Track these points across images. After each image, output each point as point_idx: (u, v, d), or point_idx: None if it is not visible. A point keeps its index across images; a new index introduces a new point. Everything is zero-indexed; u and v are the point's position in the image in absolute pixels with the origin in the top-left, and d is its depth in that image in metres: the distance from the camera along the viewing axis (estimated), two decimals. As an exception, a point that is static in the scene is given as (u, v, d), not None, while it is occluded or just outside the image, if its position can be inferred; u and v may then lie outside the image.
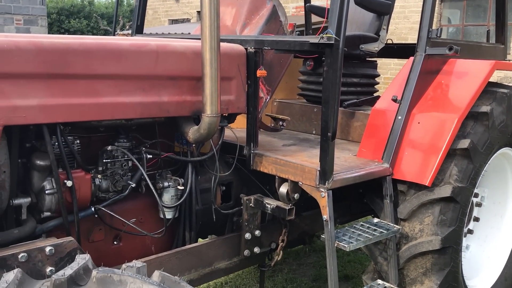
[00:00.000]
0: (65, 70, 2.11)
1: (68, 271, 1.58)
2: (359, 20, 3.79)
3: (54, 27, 27.79)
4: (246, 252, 2.92)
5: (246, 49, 2.76)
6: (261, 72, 2.75)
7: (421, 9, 3.04)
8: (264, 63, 2.81)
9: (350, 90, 3.70)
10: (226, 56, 2.62)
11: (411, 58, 3.03)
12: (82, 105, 2.17)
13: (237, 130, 2.98)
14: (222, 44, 2.61)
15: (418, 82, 2.95)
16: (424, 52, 2.96)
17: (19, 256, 1.96)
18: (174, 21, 18.99)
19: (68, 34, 27.78)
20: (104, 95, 2.24)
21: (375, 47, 3.58)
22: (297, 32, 4.11)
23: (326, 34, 2.38)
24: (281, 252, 3.12)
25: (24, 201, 2.18)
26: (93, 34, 28.34)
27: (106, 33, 25.45)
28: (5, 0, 11.64)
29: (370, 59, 3.83)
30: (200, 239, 3.02)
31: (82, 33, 28.62)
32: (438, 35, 2.96)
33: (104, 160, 2.41)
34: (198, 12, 18.27)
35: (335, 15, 2.37)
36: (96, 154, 2.46)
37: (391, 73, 11.15)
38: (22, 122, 2.00)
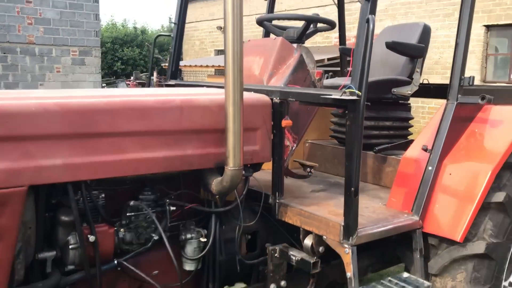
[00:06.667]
0: (90, 129, 2.16)
1: None
2: (391, 63, 3.73)
3: (109, 55, 29.15)
4: (271, 303, 2.87)
5: (271, 99, 2.77)
6: (286, 122, 2.74)
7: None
8: (290, 112, 2.80)
9: (382, 133, 3.63)
10: (251, 107, 2.64)
11: (443, 106, 2.94)
12: (106, 163, 2.22)
13: (267, 171, 2.96)
14: (247, 94, 2.62)
15: (449, 131, 2.86)
16: (456, 100, 2.87)
17: (43, 310, 2.03)
18: (220, 51, 19.45)
19: (121, 62, 29.11)
20: (128, 152, 2.28)
21: (408, 90, 3.50)
22: (327, 76, 4.09)
23: (348, 89, 2.35)
24: (308, 303, 3.05)
25: (49, 254, 2.25)
26: (145, 61, 29.51)
27: (157, 61, 26.41)
28: (63, 33, 12.36)
29: (403, 101, 3.75)
30: (226, 287, 3.00)
31: (135, 61, 29.85)
32: (471, 83, 2.87)
33: (127, 214, 2.46)
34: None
35: (357, 70, 2.35)
36: (121, 206, 2.52)
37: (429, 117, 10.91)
38: (47, 181, 2.07)
